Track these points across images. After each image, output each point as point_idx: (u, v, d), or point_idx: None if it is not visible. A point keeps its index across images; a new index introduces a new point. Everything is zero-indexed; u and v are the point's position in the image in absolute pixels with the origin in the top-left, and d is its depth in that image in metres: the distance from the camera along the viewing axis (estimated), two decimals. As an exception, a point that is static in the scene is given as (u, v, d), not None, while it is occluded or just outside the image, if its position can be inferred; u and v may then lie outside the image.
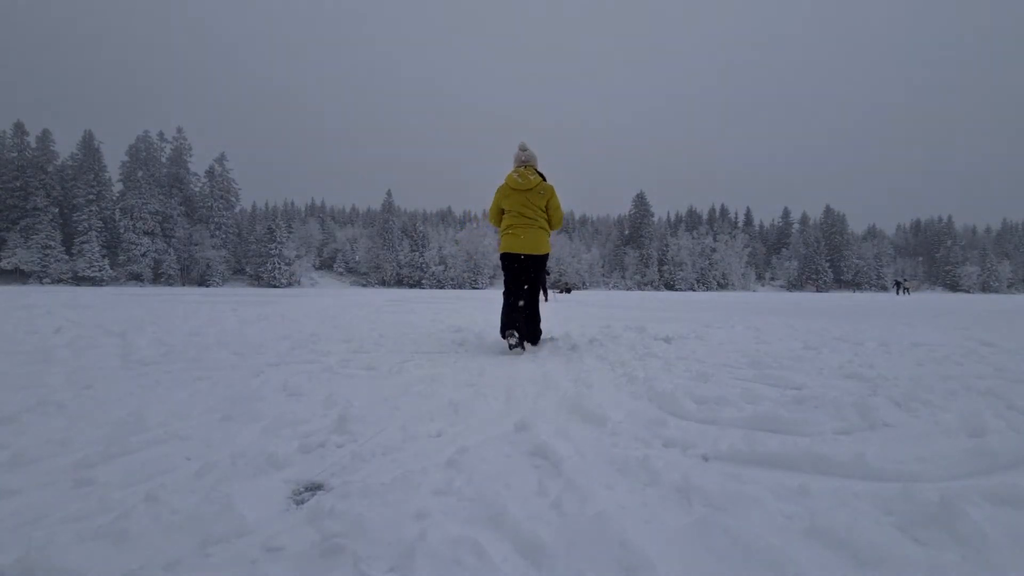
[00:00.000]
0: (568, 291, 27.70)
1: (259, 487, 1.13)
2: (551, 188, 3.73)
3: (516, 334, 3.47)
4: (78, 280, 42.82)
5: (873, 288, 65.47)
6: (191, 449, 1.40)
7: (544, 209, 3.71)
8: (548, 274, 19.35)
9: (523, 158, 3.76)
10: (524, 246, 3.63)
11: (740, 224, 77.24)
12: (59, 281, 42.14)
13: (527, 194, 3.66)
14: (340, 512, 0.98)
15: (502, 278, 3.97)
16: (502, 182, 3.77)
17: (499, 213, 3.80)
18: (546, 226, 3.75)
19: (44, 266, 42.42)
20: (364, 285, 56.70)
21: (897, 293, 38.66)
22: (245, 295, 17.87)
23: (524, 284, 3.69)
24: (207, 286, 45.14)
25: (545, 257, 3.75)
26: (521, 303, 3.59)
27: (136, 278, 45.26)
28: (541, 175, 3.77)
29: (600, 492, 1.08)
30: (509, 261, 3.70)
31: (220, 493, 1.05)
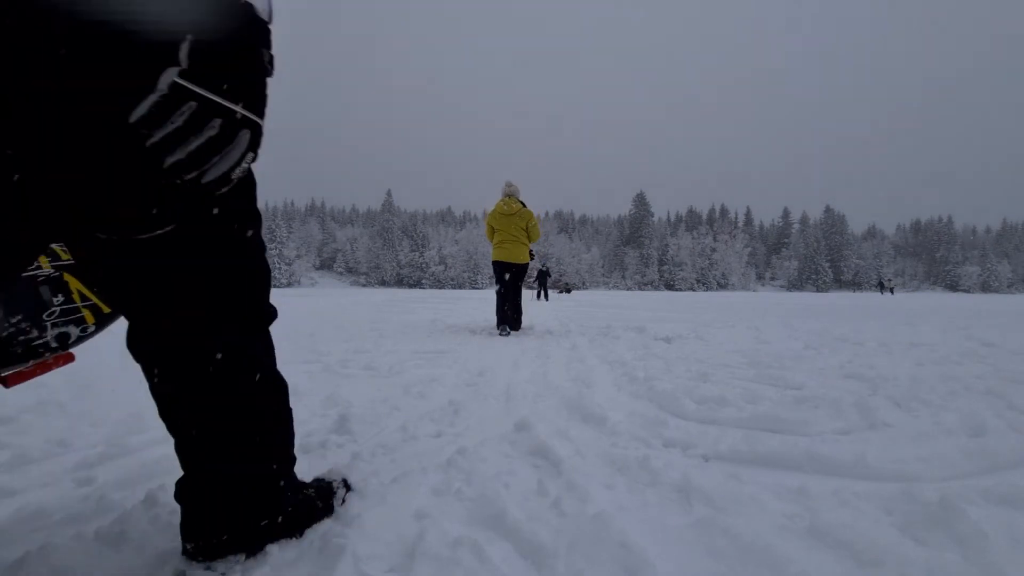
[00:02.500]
0: (568, 291, 27.68)
1: (259, 487, 1.13)
2: (529, 212, 5.04)
3: (508, 329, 4.73)
4: (78, 280, 42.73)
5: (873, 288, 65.50)
6: (191, 449, 1.39)
7: (524, 229, 5.01)
8: (549, 275, 19.34)
9: (508, 191, 5.05)
10: (510, 257, 4.97)
11: (740, 224, 77.20)
12: (59, 281, 42.03)
13: (511, 218, 4.96)
14: (339, 512, 0.98)
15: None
16: (492, 208, 5.11)
17: (492, 231, 5.11)
18: (526, 241, 5.05)
19: (44, 266, 42.37)
20: (364, 285, 56.70)
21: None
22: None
23: (510, 284, 4.94)
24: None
25: (525, 265, 5.07)
26: (509, 302, 4.90)
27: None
28: (522, 203, 5.06)
29: (600, 492, 1.08)
30: (500, 267, 5.00)
31: (220, 493, 1.05)
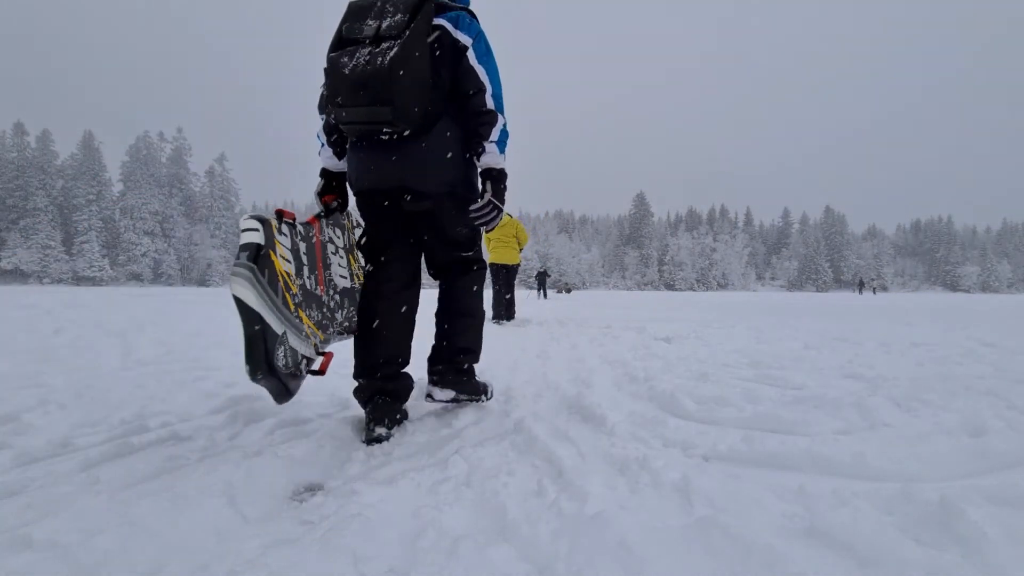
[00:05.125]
0: (568, 291, 27.66)
1: (260, 486, 1.13)
2: (517, 222, 6.48)
3: (501, 320, 5.95)
4: (78, 280, 42.83)
5: (867, 288, 65.45)
6: (193, 450, 1.39)
7: (514, 236, 6.38)
8: (549, 276, 19.46)
9: None
10: (504, 259, 6.28)
11: (740, 224, 77.20)
12: (59, 281, 42.17)
13: (504, 227, 6.31)
14: (340, 511, 0.98)
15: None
16: None
17: (487, 240, 6.12)
18: (516, 246, 6.40)
19: (44, 266, 42.43)
20: (364, 285, 56.55)
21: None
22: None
23: (504, 281, 6.23)
24: (207, 286, 45.11)
25: (517, 265, 6.41)
26: (505, 295, 6.08)
27: (136, 278, 45.26)
28: (508, 214, 6.23)
29: (600, 492, 1.08)
30: (495, 268, 6.22)
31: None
